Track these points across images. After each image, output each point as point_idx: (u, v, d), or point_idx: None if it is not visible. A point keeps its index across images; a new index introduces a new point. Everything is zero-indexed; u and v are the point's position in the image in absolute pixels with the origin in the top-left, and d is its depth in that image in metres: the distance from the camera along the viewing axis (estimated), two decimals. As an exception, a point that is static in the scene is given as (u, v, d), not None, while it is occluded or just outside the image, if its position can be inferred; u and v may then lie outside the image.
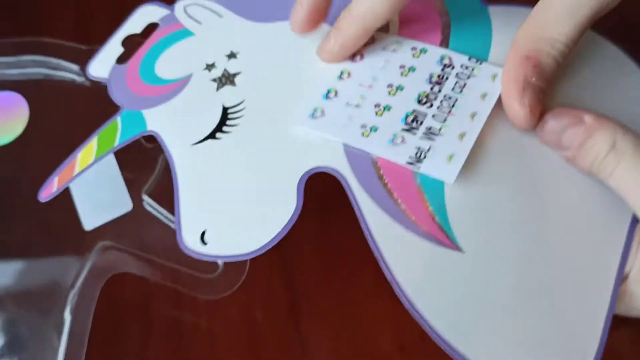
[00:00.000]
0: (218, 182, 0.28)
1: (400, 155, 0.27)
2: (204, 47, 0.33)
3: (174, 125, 0.31)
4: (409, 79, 0.29)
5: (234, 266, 0.31)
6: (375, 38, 0.31)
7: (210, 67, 0.32)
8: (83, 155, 0.31)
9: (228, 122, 0.30)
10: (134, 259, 0.32)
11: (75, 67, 0.38)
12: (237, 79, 0.32)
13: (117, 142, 0.31)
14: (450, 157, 0.27)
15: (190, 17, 0.35)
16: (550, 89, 0.28)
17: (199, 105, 0.31)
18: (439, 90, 0.29)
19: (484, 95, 0.28)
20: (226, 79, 0.32)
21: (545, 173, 0.27)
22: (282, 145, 0.29)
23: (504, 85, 0.27)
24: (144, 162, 0.35)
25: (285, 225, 0.26)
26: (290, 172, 0.28)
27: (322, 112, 0.29)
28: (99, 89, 0.33)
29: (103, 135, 0.31)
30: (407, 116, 0.28)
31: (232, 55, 0.33)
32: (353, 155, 0.28)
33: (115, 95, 0.33)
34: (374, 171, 0.27)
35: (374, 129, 0.28)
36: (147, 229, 0.33)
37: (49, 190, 0.31)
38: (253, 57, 0.32)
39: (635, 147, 0.25)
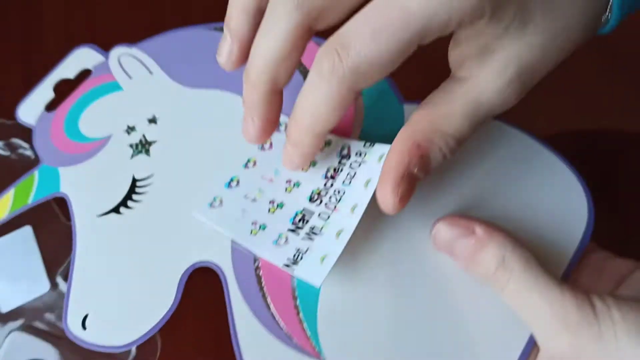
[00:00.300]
0: (108, 263, 0.29)
1: (279, 258, 0.27)
2: (129, 106, 0.34)
3: (84, 190, 0.31)
4: (308, 174, 0.29)
5: (146, 348, 0.31)
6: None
7: (130, 129, 0.33)
8: None
9: (134, 197, 0.31)
10: (48, 341, 0.31)
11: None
12: (152, 149, 0.32)
13: (31, 199, 0.32)
14: (323, 258, 0.26)
15: (122, 68, 0.35)
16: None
17: (111, 172, 0.32)
18: (331, 185, 0.28)
19: (367, 183, 0.27)
20: (142, 147, 0.32)
21: (438, 276, 0.27)
22: (175, 232, 0.29)
23: (385, 166, 0.25)
24: (64, 241, 0.32)
25: (159, 321, 0.27)
26: (176, 264, 0.29)
27: (221, 201, 0.29)
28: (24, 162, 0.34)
29: (20, 188, 0.32)
30: (295, 215, 0.28)
31: (152, 120, 0.33)
32: (238, 253, 0.29)
33: (38, 145, 0.34)
34: (254, 272, 0.28)
35: (263, 227, 0.28)
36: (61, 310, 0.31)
37: None
38: (172, 125, 0.33)
39: (524, 264, 0.25)
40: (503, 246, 0.25)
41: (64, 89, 0.35)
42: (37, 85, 0.35)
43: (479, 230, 0.26)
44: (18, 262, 0.32)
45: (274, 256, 0.28)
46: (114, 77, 0.35)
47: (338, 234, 0.27)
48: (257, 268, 0.28)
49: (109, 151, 0.33)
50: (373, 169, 0.27)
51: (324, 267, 0.26)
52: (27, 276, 0.32)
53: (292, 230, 0.28)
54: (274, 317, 0.27)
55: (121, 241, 0.30)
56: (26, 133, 0.35)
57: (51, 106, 0.35)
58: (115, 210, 0.31)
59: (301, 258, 0.27)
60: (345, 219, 0.27)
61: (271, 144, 0.31)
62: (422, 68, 0.29)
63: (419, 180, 0.25)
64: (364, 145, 0.29)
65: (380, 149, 0.28)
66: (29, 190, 0.32)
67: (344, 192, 0.28)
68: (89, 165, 0.32)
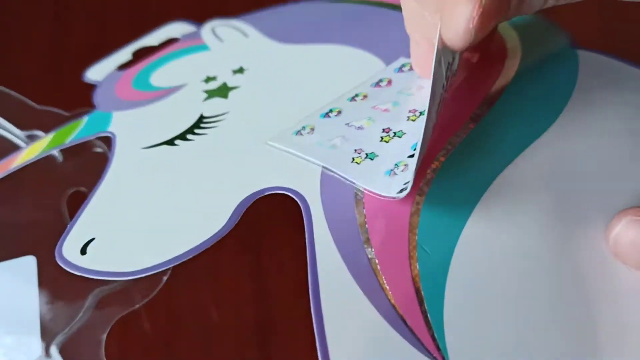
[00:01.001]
0: (142, 193, 0.23)
1: (393, 187, 0.20)
2: (213, 61, 0.29)
3: (137, 128, 0.26)
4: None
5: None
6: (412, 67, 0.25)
7: (209, 79, 0.27)
8: (31, 149, 0.27)
9: (196, 130, 0.24)
10: None
11: (18, 131, 0.31)
12: (231, 92, 0.26)
13: (72, 137, 0.26)
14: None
15: (215, 35, 0.30)
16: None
17: (175, 112, 0.26)
18: None
19: None
20: (219, 92, 0.26)
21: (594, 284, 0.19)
22: (239, 161, 0.23)
23: None
24: (67, 308, 0.27)
25: (199, 244, 0.20)
26: (234, 191, 0.22)
27: (312, 129, 0.23)
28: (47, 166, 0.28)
29: (61, 132, 0.27)
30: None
31: (239, 70, 0.27)
32: (330, 184, 0.21)
33: (97, 97, 0.29)
34: (354, 212, 0.20)
35: (370, 155, 0.22)
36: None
37: None
38: (260, 75, 0.27)
39: None
40: None
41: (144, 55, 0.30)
42: (115, 51, 0.31)
43: None
44: (13, 322, 0.26)
45: (385, 187, 0.20)
46: (203, 40, 0.30)
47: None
48: (358, 204, 0.21)
49: (180, 95, 0.27)
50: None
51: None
52: (15, 328, 0.26)
53: (413, 156, 0.20)
54: (374, 273, 0.19)
55: (165, 172, 0.23)
56: (50, 126, 0.29)
57: (124, 67, 0.30)
58: (169, 142, 0.24)
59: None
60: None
61: (390, 81, 0.25)
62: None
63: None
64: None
65: None
66: (71, 131, 0.26)
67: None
68: (152, 107, 0.27)
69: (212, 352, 0.25)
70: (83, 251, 0.21)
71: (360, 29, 0.28)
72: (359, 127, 0.23)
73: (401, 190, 0.19)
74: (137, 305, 0.25)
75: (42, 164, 0.28)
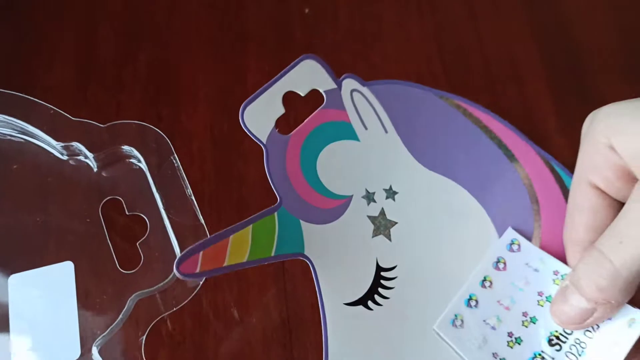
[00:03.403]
0: None
1: None
2: (367, 165, 0.30)
3: (328, 261, 0.28)
4: (544, 310, 0.28)
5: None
6: (520, 245, 0.30)
7: (369, 198, 0.30)
8: (235, 241, 0.26)
9: (380, 291, 0.28)
10: None
11: (54, 142, 0.31)
12: (392, 232, 0.30)
13: (274, 251, 0.27)
14: None
15: (357, 112, 0.30)
16: None
17: (355, 248, 0.29)
18: (572, 332, 0.27)
19: (614, 345, 0.26)
20: (383, 227, 0.29)
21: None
22: (423, 345, 0.28)
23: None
24: (106, 297, 0.29)
25: None
26: None
27: (462, 322, 0.28)
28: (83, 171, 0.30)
29: (259, 227, 0.27)
30: (534, 356, 0.27)
31: (390, 193, 0.30)
32: None
33: (274, 176, 0.28)
34: None
35: None
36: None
37: (191, 268, 0.24)
38: (409, 207, 0.30)
39: None
40: None
41: (291, 103, 0.29)
42: (264, 89, 0.28)
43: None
44: (51, 318, 0.28)
45: None
46: (349, 118, 0.30)
47: None
48: None
49: (351, 218, 0.29)
50: (620, 331, 0.26)
51: None
52: (55, 330, 0.27)
53: None
54: None
55: (372, 339, 0.28)
56: (91, 140, 0.31)
57: (281, 124, 0.29)
58: (364, 303, 0.28)
59: None
60: None
61: (505, 264, 0.30)
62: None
63: None
64: None
65: (631, 313, 0.26)
66: (272, 237, 0.27)
67: (585, 345, 0.27)
68: (332, 229, 0.29)
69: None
70: None
71: (474, 170, 0.31)
72: (492, 327, 0.28)
73: None
74: (174, 309, 0.28)
75: (78, 172, 0.31)
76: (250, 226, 0.26)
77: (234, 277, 0.31)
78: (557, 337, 0.27)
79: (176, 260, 0.24)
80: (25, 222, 0.30)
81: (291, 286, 0.30)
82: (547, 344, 0.27)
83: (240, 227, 0.26)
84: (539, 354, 0.27)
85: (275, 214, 0.27)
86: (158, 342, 0.29)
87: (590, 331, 0.27)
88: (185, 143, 0.34)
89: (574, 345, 0.27)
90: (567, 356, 0.27)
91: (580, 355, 0.27)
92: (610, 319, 0.26)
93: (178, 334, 0.30)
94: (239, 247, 0.26)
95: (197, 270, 0.25)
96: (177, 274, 0.24)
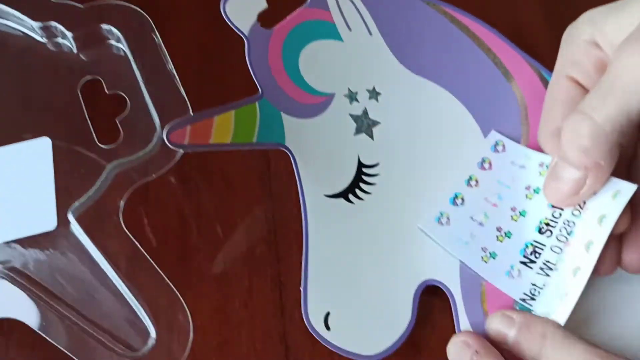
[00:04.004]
0: (345, 258, 0.28)
1: (515, 290, 0.27)
2: (349, 65, 0.30)
3: (310, 155, 0.28)
4: (532, 202, 0.28)
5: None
6: (505, 145, 0.30)
7: (351, 97, 0.30)
8: (219, 122, 0.27)
9: (362, 186, 0.29)
10: (32, 298, 0.25)
11: (33, 23, 0.30)
12: (375, 131, 0.30)
13: (255, 138, 0.28)
14: (563, 296, 0.26)
15: (341, 13, 0.30)
16: None
17: (336, 144, 0.29)
18: (560, 215, 0.27)
19: (600, 219, 0.26)
20: (366, 127, 0.30)
21: None
22: (406, 242, 0.29)
23: None
24: (84, 171, 0.28)
25: (399, 337, 0.27)
26: (409, 279, 0.28)
27: (448, 219, 0.29)
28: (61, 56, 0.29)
29: (241, 113, 0.27)
30: (526, 247, 0.28)
31: (373, 94, 0.30)
32: (466, 275, 0.28)
33: (256, 69, 0.28)
34: (479, 295, 0.27)
35: (493, 255, 0.28)
36: (66, 262, 0.27)
37: (180, 139, 0.26)
38: (393, 109, 0.30)
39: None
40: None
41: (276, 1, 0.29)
42: None
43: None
44: (25, 182, 0.27)
45: (509, 288, 0.27)
46: (333, 19, 0.30)
47: (574, 271, 0.26)
48: (483, 292, 0.28)
49: (333, 115, 0.30)
50: (606, 204, 0.26)
51: (566, 305, 0.26)
52: (32, 203, 0.27)
53: (524, 263, 0.27)
54: None
55: (354, 233, 0.28)
56: (70, 19, 0.30)
57: (263, 19, 0.29)
58: (344, 196, 0.29)
59: (538, 293, 0.27)
60: (581, 256, 0.26)
61: (490, 164, 0.30)
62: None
63: None
64: None
65: (615, 185, 0.26)
66: (252, 126, 0.27)
67: (574, 224, 0.27)
68: (314, 124, 0.29)
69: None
70: (327, 326, 0.26)
71: (461, 76, 0.31)
72: (480, 223, 0.28)
73: (523, 300, 0.27)
74: (153, 175, 0.28)
75: (57, 54, 0.31)
76: (233, 111, 0.27)
77: (218, 172, 0.30)
78: (547, 224, 0.28)
79: (166, 128, 0.26)
80: (3, 102, 0.30)
81: (276, 187, 0.31)
82: (537, 233, 0.28)
83: (222, 110, 0.27)
84: (531, 244, 0.28)
85: (257, 103, 0.28)
86: (139, 204, 0.29)
87: (577, 209, 0.27)
88: (168, 21, 0.32)
89: (564, 227, 0.27)
90: (558, 239, 0.27)
91: (570, 235, 0.27)
92: (595, 193, 0.26)
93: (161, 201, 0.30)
94: (223, 129, 0.27)
95: (185, 142, 0.26)
96: (167, 142, 0.25)
